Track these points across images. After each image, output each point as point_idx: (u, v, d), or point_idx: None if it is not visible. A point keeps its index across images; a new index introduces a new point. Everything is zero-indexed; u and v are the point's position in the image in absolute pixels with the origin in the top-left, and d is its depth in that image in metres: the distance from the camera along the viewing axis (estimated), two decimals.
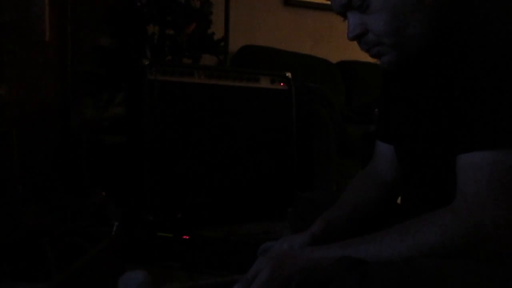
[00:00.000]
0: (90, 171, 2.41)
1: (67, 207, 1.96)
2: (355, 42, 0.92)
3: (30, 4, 2.42)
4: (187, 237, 1.63)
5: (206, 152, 2.11)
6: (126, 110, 2.39)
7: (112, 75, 2.50)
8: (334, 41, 3.49)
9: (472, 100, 0.78)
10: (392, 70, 0.94)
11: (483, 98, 0.77)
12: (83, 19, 2.64)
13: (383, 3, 0.84)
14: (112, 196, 2.00)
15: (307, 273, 0.82)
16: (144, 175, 1.98)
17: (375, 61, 0.94)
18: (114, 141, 2.36)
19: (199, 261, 1.42)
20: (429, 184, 0.94)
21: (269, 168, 2.26)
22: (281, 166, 2.29)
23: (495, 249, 0.74)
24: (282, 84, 2.33)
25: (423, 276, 0.69)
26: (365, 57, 0.96)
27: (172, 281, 1.22)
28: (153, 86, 1.99)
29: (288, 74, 2.34)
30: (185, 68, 2.13)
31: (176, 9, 2.53)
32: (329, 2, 0.93)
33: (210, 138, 2.12)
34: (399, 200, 1.17)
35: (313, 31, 3.55)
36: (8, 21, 2.21)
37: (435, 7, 0.85)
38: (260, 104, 2.26)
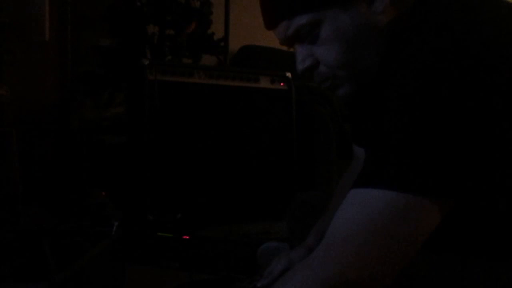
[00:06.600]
0: (90, 171, 2.41)
1: (67, 207, 1.96)
2: None
3: (30, 4, 2.42)
4: (187, 237, 1.63)
5: (206, 152, 2.11)
6: (126, 110, 2.39)
7: (112, 75, 2.50)
8: None
9: (382, 134, 0.69)
10: (350, 101, 0.88)
11: (391, 133, 0.67)
12: (83, 19, 2.64)
13: (334, 32, 0.77)
14: (112, 196, 2.00)
15: None
16: (144, 175, 1.98)
17: None
18: (114, 141, 2.36)
19: (199, 261, 1.42)
20: None
21: (269, 168, 2.26)
22: (281, 166, 2.28)
23: None
24: (282, 84, 2.32)
25: None
26: None
27: (172, 281, 1.22)
28: (153, 86, 1.99)
29: (288, 74, 2.34)
30: (185, 68, 2.13)
31: (176, 9, 2.53)
32: None
33: (210, 138, 2.12)
34: None
35: None
36: (8, 21, 2.21)
37: (390, 35, 0.77)
38: (260, 104, 2.26)
